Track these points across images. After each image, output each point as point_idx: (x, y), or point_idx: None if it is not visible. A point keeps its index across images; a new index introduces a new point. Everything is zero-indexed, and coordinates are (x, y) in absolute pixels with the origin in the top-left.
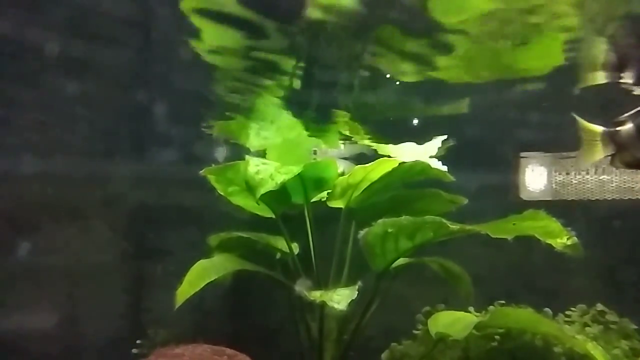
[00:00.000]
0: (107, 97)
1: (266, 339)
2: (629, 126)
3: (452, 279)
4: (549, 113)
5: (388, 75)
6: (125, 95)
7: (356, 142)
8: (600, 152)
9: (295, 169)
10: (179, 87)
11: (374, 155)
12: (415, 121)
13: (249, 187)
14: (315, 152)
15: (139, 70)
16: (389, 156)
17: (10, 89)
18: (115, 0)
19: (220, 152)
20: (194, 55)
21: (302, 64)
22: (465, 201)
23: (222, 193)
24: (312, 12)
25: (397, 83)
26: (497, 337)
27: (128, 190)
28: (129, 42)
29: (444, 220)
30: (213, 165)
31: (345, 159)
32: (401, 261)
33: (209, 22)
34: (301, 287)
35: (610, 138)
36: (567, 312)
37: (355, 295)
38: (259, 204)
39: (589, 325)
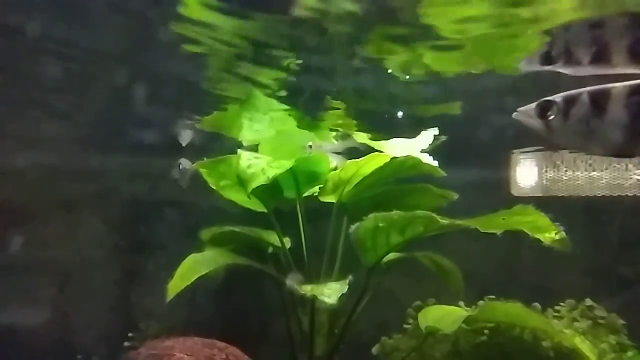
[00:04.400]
0: (99, 93)
1: (257, 333)
2: None
3: (443, 274)
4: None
5: (390, 70)
6: (118, 90)
7: (348, 137)
8: None
9: (287, 164)
10: (171, 83)
11: (367, 150)
12: (400, 114)
13: (241, 181)
14: (310, 147)
15: (132, 67)
16: (380, 151)
17: None
18: None
19: (185, 136)
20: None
21: (295, 56)
22: (456, 196)
23: (214, 187)
24: (300, 11)
25: (407, 77)
26: (486, 331)
27: (120, 184)
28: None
29: (434, 215)
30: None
31: (338, 153)
32: (392, 256)
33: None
34: (292, 281)
35: None
36: (556, 307)
37: (346, 290)
38: (250, 198)
39: (577, 320)
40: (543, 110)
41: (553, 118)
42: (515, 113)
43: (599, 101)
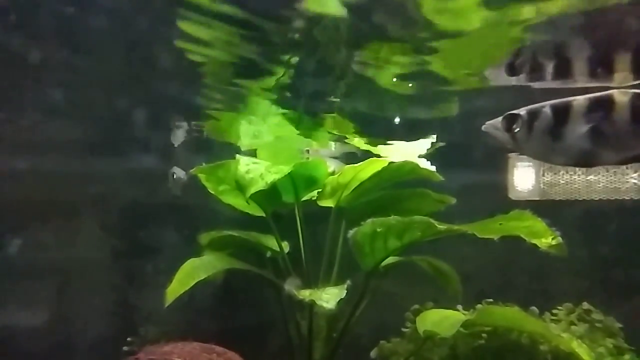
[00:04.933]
0: (95, 97)
1: (256, 337)
2: None
3: (441, 278)
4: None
5: (394, 79)
6: (114, 94)
7: (346, 142)
8: None
9: (286, 168)
10: (166, 87)
11: (364, 155)
12: (397, 120)
13: (240, 186)
14: (308, 151)
15: (125, 73)
16: (378, 156)
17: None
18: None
19: (178, 136)
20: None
21: (293, 62)
22: (454, 201)
23: (212, 192)
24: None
25: (410, 85)
26: (484, 335)
27: (119, 188)
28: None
29: (432, 220)
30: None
31: (335, 158)
32: (390, 260)
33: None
34: (291, 285)
35: None
36: (554, 311)
37: (344, 295)
38: (249, 203)
39: (574, 324)
40: (509, 123)
41: (518, 130)
42: (483, 126)
43: (561, 114)
